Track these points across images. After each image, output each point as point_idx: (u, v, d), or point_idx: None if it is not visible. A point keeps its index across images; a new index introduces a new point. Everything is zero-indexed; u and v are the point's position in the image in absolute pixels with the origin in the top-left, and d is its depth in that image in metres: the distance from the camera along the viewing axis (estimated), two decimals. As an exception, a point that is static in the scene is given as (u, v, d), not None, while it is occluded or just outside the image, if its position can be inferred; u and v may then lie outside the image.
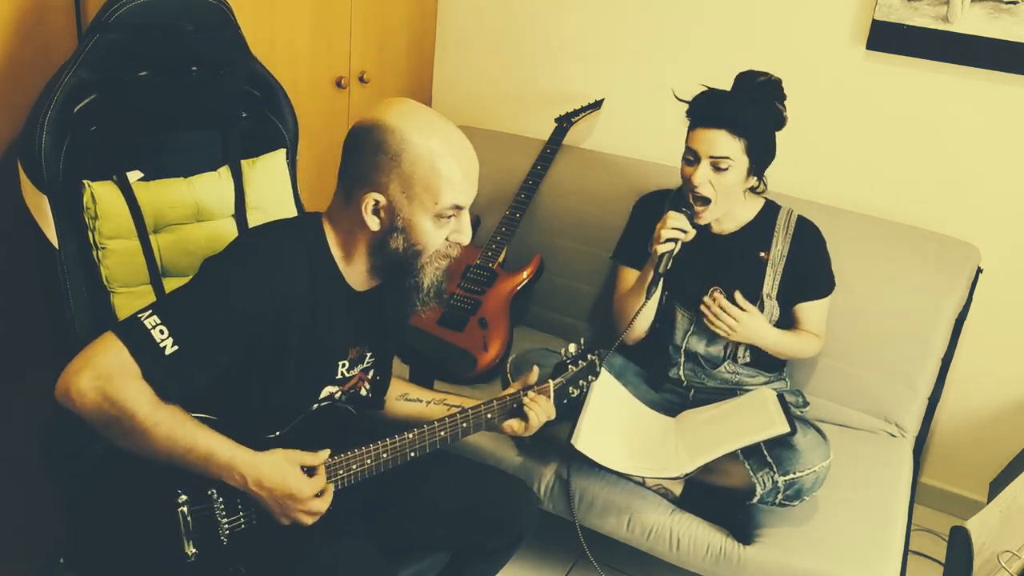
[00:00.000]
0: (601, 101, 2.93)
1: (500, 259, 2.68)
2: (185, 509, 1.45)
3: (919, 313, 2.37)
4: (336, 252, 1.58)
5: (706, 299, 2.17)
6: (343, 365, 1.64)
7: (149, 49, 1.74)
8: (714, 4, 2.70)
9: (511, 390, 1.78)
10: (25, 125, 1.68)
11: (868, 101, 2.60)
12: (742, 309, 2.15)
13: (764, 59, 2.62)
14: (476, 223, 2.84)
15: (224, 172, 1.88)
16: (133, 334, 1.39)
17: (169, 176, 1.80)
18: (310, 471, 1.51)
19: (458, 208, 1.54)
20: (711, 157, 2.08)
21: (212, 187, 1.85)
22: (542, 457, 2.20)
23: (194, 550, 1.46)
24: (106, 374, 1.36)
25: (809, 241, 2.27)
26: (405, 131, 1.49)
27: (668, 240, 2.10)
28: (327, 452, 1.55)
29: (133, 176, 1.74)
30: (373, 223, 1.52)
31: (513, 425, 1.77)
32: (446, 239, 1.57)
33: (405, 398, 1.86)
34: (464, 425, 1.70)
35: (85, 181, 1.69)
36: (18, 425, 1.96)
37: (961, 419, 2.74)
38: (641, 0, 2.80)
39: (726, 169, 2.09)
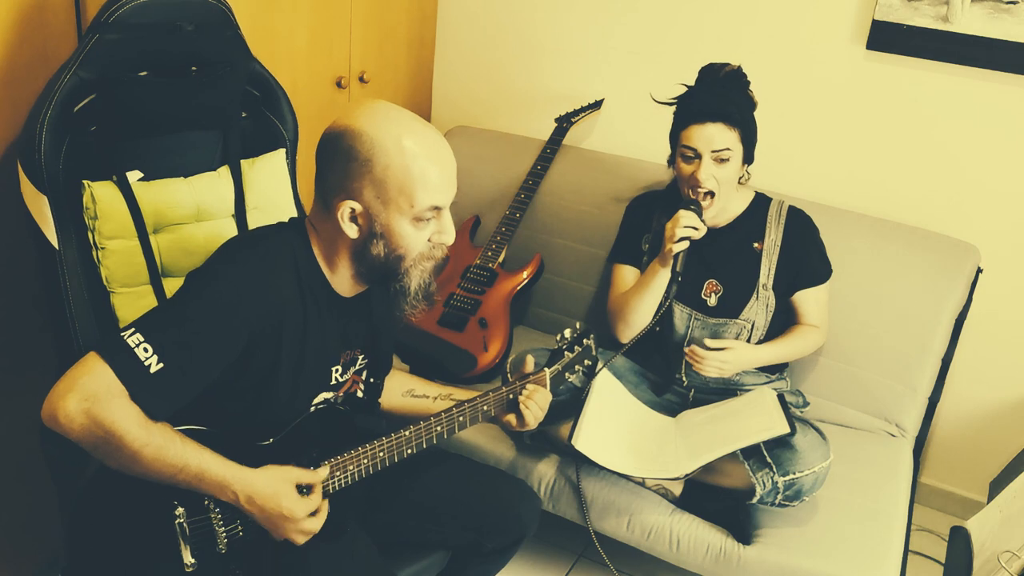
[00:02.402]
0: (601, 101, 2.93)
1: (500, 259, 2.68)
2: (183, 520, 1.44)
3: (919, 313, 2.37)
4: (320, 260, 1.56)
5: (687, 351, 2.19)
6: (337, 371, 1.63)
7: (148, 49, 1.74)
8: (714, 4, 2.70)
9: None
10: (25, 125, 1.68)
11: (868, 101, 2.59)
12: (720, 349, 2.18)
13: (764, 59, 2.63)
14: (476, 223, 2.84)
15: (224, 172, 1.88)
16: (117, 354, 1.36)
17: (169, 176, 1.80)
18: (307, 488, 1.50)
19: (437, 209, 1.51)
20: (713, 151, 2.10)
21: (212, 187, 1.85)
22: (543, 457, 2.20)
23: (192, 560, 1.45)
24: (93, 396, 1.33)
25: (802, 229, 2.29)
26: (375, 134, 1.45)
27: (682, 239, 2.11)
28: (326, 470, 1.53)
29: (133, 176, 1.74)
30: (352, 231, 1.49)
31: (512, 420, 1.76)
32: (428, 240, 1.53)
33: (411, 394, 1.85)
34: (461, 419, 1.68)
35: (85, 181, 1.68)
36: (19, 425, 1.96)
37: (961, 419, 2.74)
38: (642, 0, 2.80)
39: (727, 160, 2.12)
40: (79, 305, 1.69)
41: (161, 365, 1.37)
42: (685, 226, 2.11)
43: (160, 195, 1.77)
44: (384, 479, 1.76)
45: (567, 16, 2.93)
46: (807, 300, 2.28)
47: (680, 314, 2.25)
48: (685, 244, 2.12)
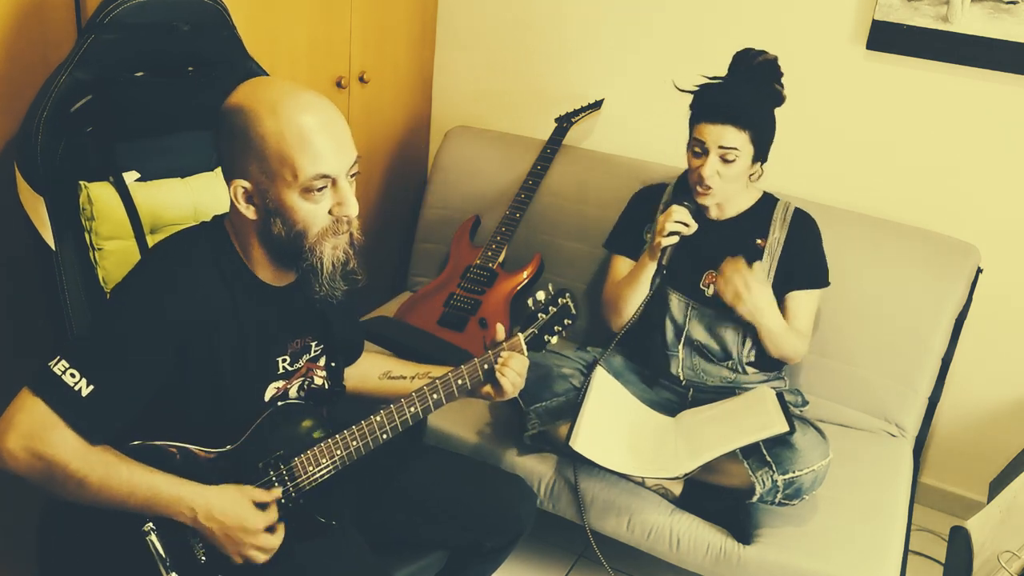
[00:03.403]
0: (601, 101, 2.92)
1: (500, 259, 2.68)
2: (154, 537, 1.43)
3: (919, 313, 2.37)
4: (239, 251, 1.51)
5: (728, 260, 2.14)
6: (284, 360, 1.59)
7: (145, 49, 1.74)
8: (714, 4, 2.70)
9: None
10: (21, 126, 1.68)
11: (868, 101, 2.59)
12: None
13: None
14: (476, 223, 2.84)
15: (221, 172, 1.88)
16: (46, 384, 1.35)
17: (166, 177, 1.80)
18: (262, 507, 1.48)
19: (326, 177, 1.40)
20: (720, 147, 2.10)
21: (209, 187, 1.84)
22: (542, 457, 2.20)
23: (174, 574, 1.44)
24: (29, 432, 1.33)
25: (805, 232, 2.27)
26: (249, 105, 1.38)
27: (671, 233, 2.11)
28: (279, 490, 1.51)
29: (130, 177, 1.74)
30: (249, 212, 1.43)
31: (490, 390, 1.69)
32: (330, 213, 1.44)
33: (388, 376, 1.82)
34: (435, 396, 1.62)
35: (81, 182, 1.68)
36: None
37: (961, 419, 2.74)
38: (642, 1, 2.80)
39: (734, 160, 2.11)
40: (76, 306, 1.68)
41: (92, 387, 1.35)
42: (675, 221, 2.12)
43: (157, 195, 1.76)
44: (380, 477, 1.75)
45: (567, 16, 2.93)
46: (798, 304, 2.24)
47: (677, 303, 2.25)
48: (674, 239, 2.12)
